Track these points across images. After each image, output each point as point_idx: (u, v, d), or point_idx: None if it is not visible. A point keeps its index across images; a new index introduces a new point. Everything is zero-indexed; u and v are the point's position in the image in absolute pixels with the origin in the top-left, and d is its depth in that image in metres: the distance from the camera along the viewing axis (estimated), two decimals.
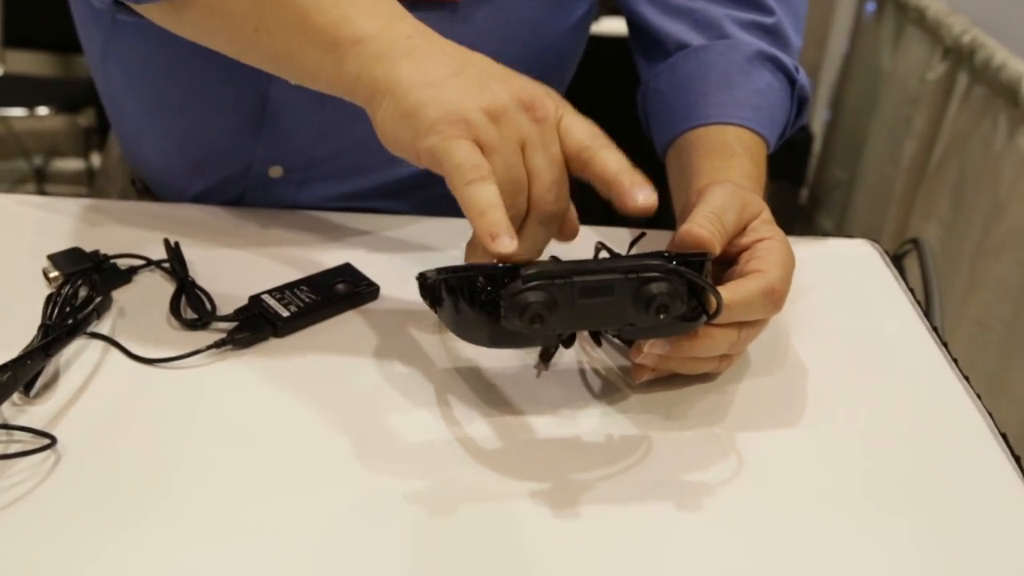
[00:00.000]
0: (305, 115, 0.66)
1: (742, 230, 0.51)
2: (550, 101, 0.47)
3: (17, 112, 2.29)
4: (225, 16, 0.51)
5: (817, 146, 2.46)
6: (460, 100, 0.45)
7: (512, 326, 0.41)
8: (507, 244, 0.42)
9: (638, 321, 0.42)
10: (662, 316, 0.42)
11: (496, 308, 0.42)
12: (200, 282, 0.59)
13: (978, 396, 0.53)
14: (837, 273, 0.65)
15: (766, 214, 0.52)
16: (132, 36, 0.65)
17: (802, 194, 2.49)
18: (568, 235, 0.50)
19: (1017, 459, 0.48)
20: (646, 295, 0.41)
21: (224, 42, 0.53)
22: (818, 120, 2.46)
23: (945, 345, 0.58)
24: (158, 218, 0.66)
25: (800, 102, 0.68)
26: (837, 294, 0.62)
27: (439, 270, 0.45)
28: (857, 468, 0.47)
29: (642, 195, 0.45)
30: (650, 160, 0.67)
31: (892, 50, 2.09)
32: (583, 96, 0.65)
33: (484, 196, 0.43)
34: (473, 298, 0.43)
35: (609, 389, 0.51)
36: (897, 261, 1.19)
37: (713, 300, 0.44)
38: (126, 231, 0.64)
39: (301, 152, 0.68)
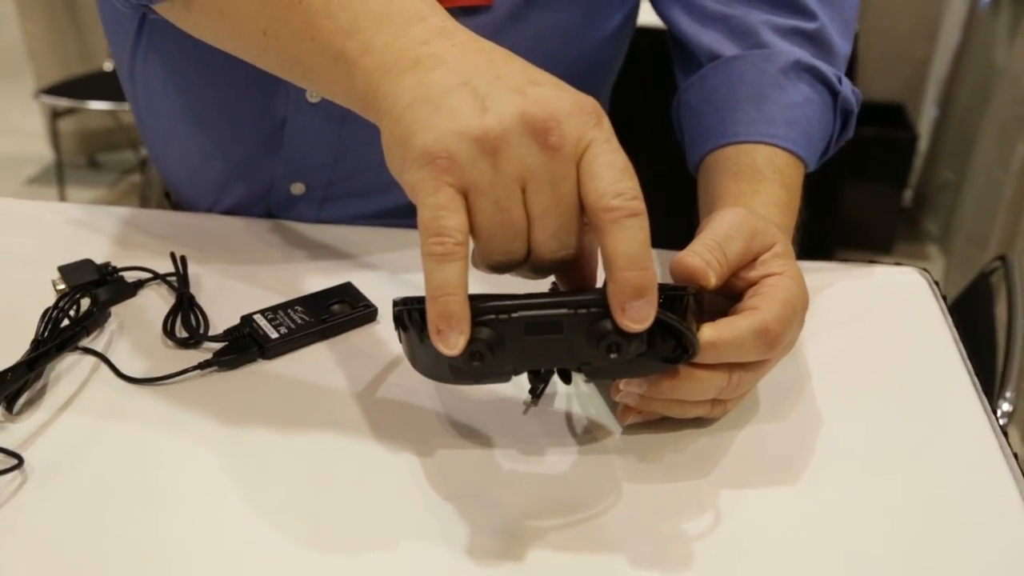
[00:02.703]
0: (324, 133, 0.65)
1: (751, 262, 0.47)
2: (574, 123, 0.37)
3: (125, 106, 2.39)
4: (235, 19, 0.47)
5: (923, 145, 2.32)
6: (452, 124, 0.37)
7: (454, 363, 0.38)
8: (452, 344, 0.37)
9: (593, 360, 0.39)
10: (612, 356, 0.38)
11: None
12: (205, 297, 0.59)
13: (1015, 456, 0.47)
14: (877, 306, 0.60)
15: (780, 247, 0.48)
16: (155, 53, 0.65)
17: (906, 195, 2.36)
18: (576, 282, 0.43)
19: None
20: (598, 333, 0.38)
21: (237, 47, 0.50)
22: (925, 119, 2.33)
23: (988, 395, 0.52)
24: (180, 228, 0.67)
25: (844, 115, 0.63)
26: (873, 331, 0.57)
27: (406, 299, 0.43)
28: (860, 545, 0.42)
29: (631, 318, 0.37)
30: (688, 174, 0.64)
31: (1008, 44, 1.95)
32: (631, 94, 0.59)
33: (439, 278, 0.36)
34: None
35: (592, 429, 0.48)
36: (985, 279, 1.11)
37: (690, 339, 0.41)
38: (147, 241, 0.65)
39: (321, 170, 0.67)
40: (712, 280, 0.44)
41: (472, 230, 0.38)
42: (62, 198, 2.56)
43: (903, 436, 0.48)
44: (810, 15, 0.62)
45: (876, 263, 0.65)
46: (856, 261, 0.65)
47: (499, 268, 0.40)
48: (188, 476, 0.45)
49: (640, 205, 0.37)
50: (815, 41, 0.62)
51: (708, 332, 0.42)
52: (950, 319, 0.58)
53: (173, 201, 0.76)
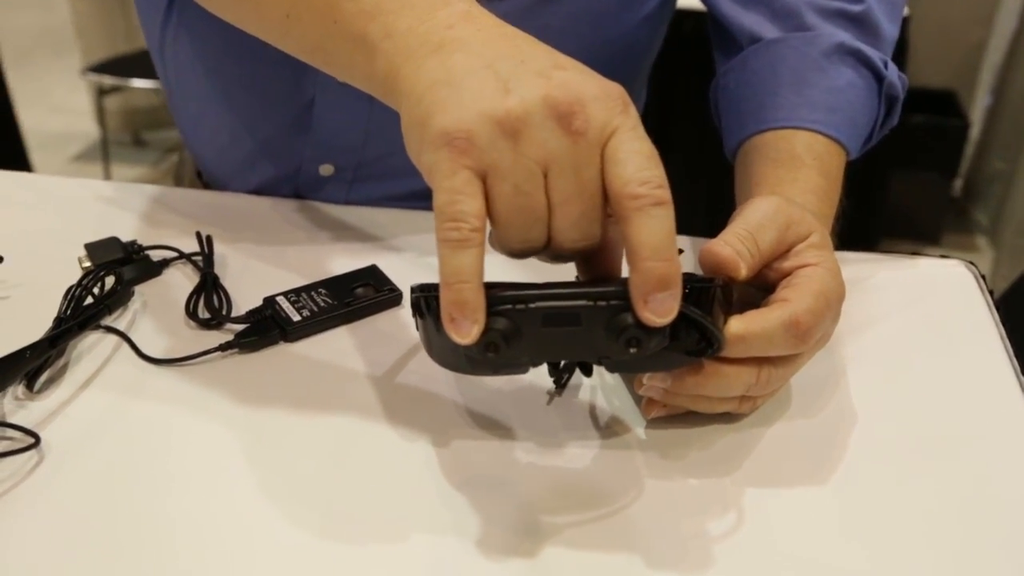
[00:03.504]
0: (353, 114, 0.64)
1: (785, 252, 0.45)
2: (599, 108, 0.36)
3: None
4: (259, 1, 0.47)
5: (975, 133, 2.26)
6: (473, 105, 0.36)
7: (469, 353, 0.37)
8: (465, 333, 0.35)
9: (612, 354, 0.37)
10: (632, 351, 0.36)
11: None
12: (230, 277, 0.58)
13: None
14: (920, 300, 0.57)
15: (816, 237, 0.46)
16: (184, 31, 0.65)
17: (955, 185, 2.30)
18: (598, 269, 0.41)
19: None
20: (618, 326, 0.36)
21: (260, 29, 0.49)
22: (978, 106, 2.26)
23: None
24: (208, 207, 0.66)
25: (889, 101, 0.60)
26: (914, 326, 0.55)
27: (424, 285, 0.41)
28: (892, 551, 0.40)
29: (653, 311, 0.35)
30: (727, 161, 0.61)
31: None
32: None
33: (454, 265, 0.35)
34: None
35: (615, 423, 0.46)
36: None
37: (714, 334, 0.39)
38: (175, 220, 0.64)
39: (350, 151, 0.66)
40: (743, 271, 0.43)
41: (490, 215, 0.37)
42: (107, 175, 2.59)
43: (943, 437, 0.46)
44: None
45: (920, 255, 0.62)
46: (901, 252, 0.62)
47: (518, 254, 0.39)
48: (203, 459, 0.44)
49: (666, 194, 0.36)
50: (861, 24, 0.59)
51: (735, 325, 0.41)
52: (996, 314, 0.56)
53: (204, 180, 0.76)
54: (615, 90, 0.37)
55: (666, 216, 0.36)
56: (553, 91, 0.36)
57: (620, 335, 0.36)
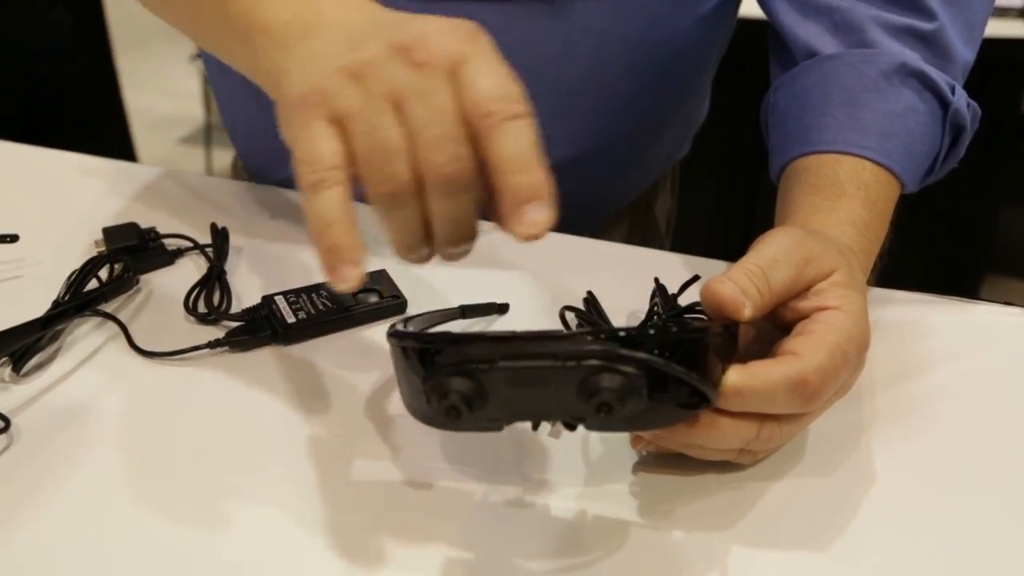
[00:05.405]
0: None
1: (804, 291, 0.41)
2: (444, 39, 0.35)
3: None
4: (170, 3, 0.49)
5: None
6: (325, 65, 0.36)
7: (435, 412, 0.34)
8: (345, 277, 0.34)
9: (585, 415, 0.34)
10: (603, 415, 0.33)
11: None
12: (242, 271, 0.57)
13: None
14: (971, 350, 0.51)
15: (840, 275, 0.41)
16: None
17: None
18: (517, 220, 0.35)
19: None
20: (590, 388, 0.33)
21: (186, 31, 0.50)
22: None
23: None
24: (237, 198, 0.66)
25: (956, 131, 0.54)
26: (959, 380, 0.49)
27: (399, 332, 0.38)
28: None
29: (527, 225, 0.33)
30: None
31: None
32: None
33: (319, 209, 0.34)
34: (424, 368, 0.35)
35: (605, 465, 0.43)
36: None
37: (702, 392, 0.35)
38: (203, 208, 0.64)
39: None
40: (747, 312, 0.39)
41: (354, 162, 0.35)
42: (208, 160, 2.67)
43: (976, 511, 0.41)
44: (928, 14, 0.54)
45: (980, 300, 0.56)
46: (1008, 291, 0.56)
47: (406, 233, 0.36)
48: (162, 458, 0.43)
49: (522, 108, 0.34)
50: (930, 44, 0.54)
51: (734, 377, 0.37)
52: None
53: (249, 170, 0.76)
54: (464, 24, 0.36)
55: (524, 128, 0.34)
56: (398, 36, 0.36)
57: (590, 398, 0.33)
